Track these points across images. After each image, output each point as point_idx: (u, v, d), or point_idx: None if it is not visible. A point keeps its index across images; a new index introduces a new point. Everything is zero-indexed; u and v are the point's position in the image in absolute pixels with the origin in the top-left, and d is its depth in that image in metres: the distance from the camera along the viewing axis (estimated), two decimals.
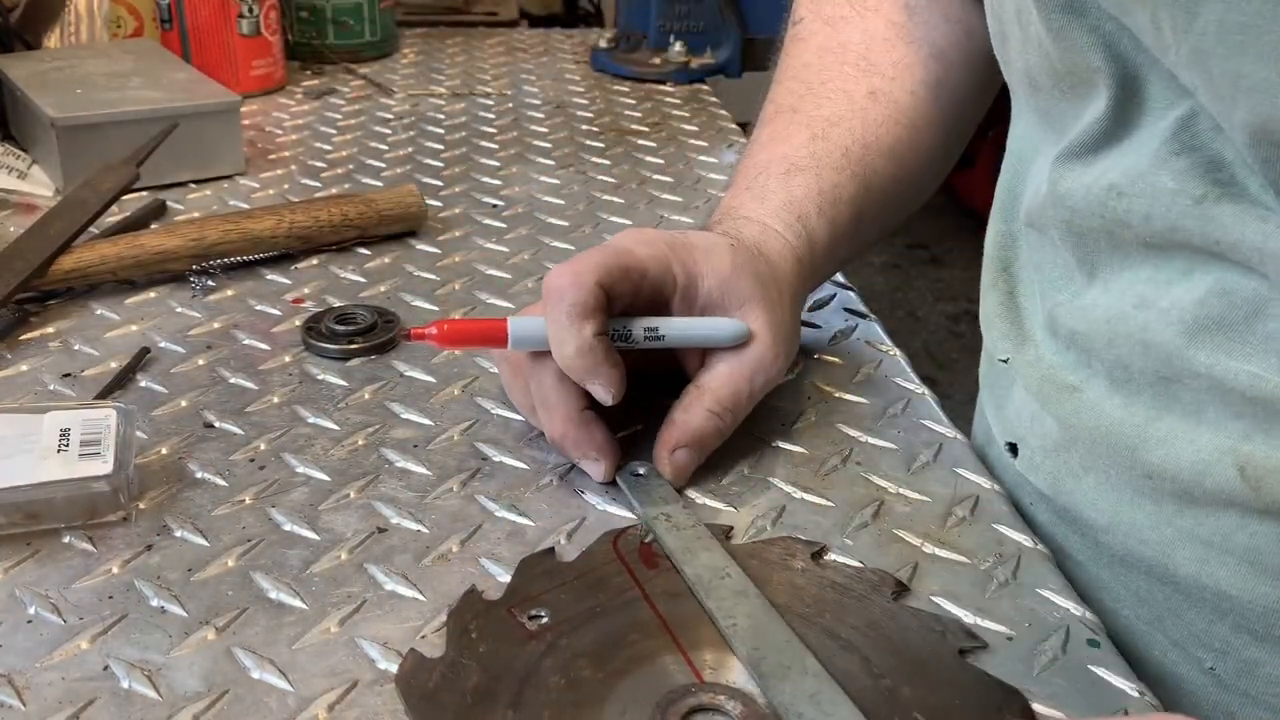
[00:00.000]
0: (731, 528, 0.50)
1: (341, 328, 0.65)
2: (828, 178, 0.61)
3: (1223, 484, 0.47)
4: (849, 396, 0.61)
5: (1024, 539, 0.51)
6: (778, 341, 0.54)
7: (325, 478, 0.54)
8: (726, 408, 0.53)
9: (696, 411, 0.53)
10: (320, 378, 0.62)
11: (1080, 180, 0.49)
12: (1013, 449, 0.59)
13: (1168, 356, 0.47)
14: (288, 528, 0.50)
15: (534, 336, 0.51)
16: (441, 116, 1.06)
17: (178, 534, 0.49)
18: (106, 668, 0.42)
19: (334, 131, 1.01)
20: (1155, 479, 0.50)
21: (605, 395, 0.51)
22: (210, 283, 0.72)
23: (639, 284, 0.52)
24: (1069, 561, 0.55)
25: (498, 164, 0.94)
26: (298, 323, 0.67)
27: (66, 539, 0.49)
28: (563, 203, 0.87)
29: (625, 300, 0.52)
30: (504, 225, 0.82)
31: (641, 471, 0.53)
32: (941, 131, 0.66)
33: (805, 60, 0.67)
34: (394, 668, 0.42)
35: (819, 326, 0.69)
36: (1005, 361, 0.58)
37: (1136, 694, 0.43)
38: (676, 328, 0.53)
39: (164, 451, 0.55)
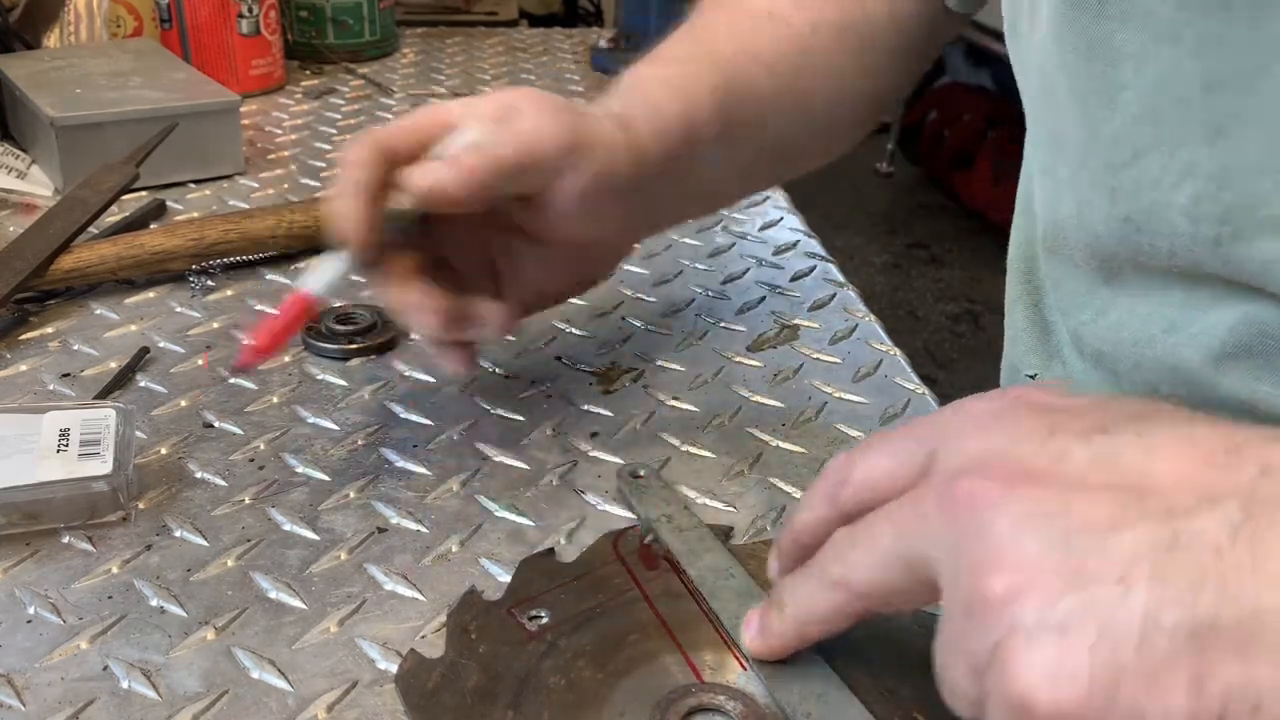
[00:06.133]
0: (731, 528, 0.50)
1: (341, 328, 0.65)
2: (688, 69, 0.59)
3: None
4: (849, 396, 0.61)
5: None
6: (543, 112, 0.51)
7: (325, 478, 0.53)
8: (473, 166, 0.50)
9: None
10: (320, 378, 0.62)
11: (1099, 208, 0.49)
12: None
13: (1194, 381, 0.47)
14: (288, 528, 0.50)
15: (329, 278, 0.52)
16: None
17: (177, 534, 0.49)
18: (106, 668, 0.42)
19: (334, 131, 1.01)
20: None
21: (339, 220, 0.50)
22: (210, 283, 0.72)
23: (422, 140, 0.51)
24: None
25: None
26: None
27: (66, 539, 0.49)
28: None
29: (418, 154, 0.51)
30: None
31: (641, 474, 0.53)
32: (844, 78, 0.64)
33: None
34: (394, 668, 0.42)
35: (819, 326, 0.69)
36: (1033, 378, 0.58)
37: None
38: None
39: (164, 451, 0.55)
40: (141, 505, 0.51)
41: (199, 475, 0.53)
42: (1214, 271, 0.45)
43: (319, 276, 0.52)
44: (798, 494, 0.53)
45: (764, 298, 0.72)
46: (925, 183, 3.77)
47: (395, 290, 0.52)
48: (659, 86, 0.57)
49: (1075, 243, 0.51)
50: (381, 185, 0.50)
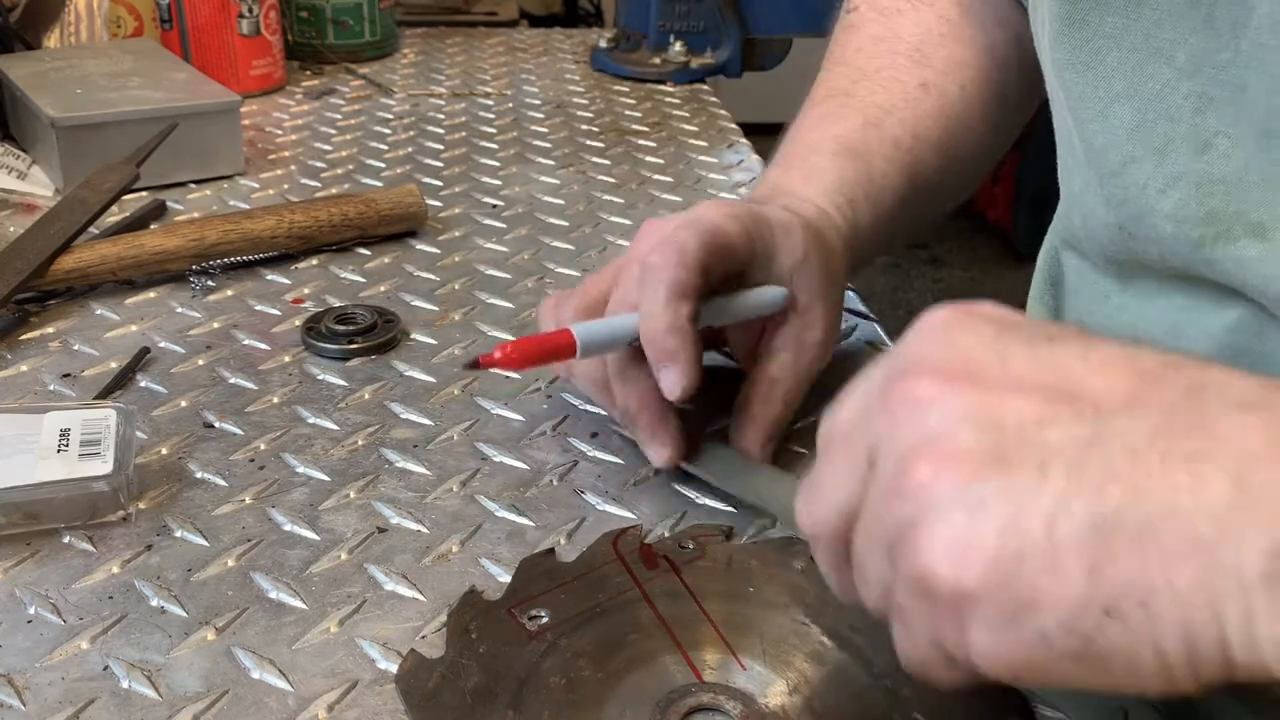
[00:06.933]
0: (731, 528, 0.50)
1: (341, 328, 0.65)
2: (878, 166, 0.61)
3: None
4: None
5: None
6: (831, 330, 0.56)
7: (325, 478, 0.54)
8: (796, 395, 0.55)
9: (775, 404, 0.54)
10: (320, 378, 0.62)
11: (1099, 215, 0.49)
12: None
13: None
14: (288, 528, 0.50)
15: (601, 340, 0.51)
16: (441, 116, 1.06)
17: (178, 534, 0.49)
18: (106, 668, 0.42)
19: (334, 131, 1.01)
20: None
21: (677, 381, 0.49)
22: (210, 283, 0.72)
23: (730, 263, 0.52)
24: None
25: (498, 164, 0.94)
26: (298, 323, 0.67)
27: (66, 539, 0.49)
28: (563, 203, 0.87)
29: (718, 279, 0.52)
30: (504, 225, 0.82)
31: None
32: (986, 130, 0.67)
33: (858, 45, 0.68)
34: (394, 668, 0.42)
35: None
36: None
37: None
38: (724, 306, 0.53)
39: (164, 451, 0.55)
40: (142, 505, 0.51)
41: (199, 475, 0.53)
42: (1199, 273, 0.45)
43: (597, 327, 0.51)
44: None
45: None
46: None
47: (646, 416, 0.52)
48: (863, 195, 0.60)
49: (1088, 248, 0.52)
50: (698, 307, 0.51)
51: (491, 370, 0.51)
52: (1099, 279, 0.54)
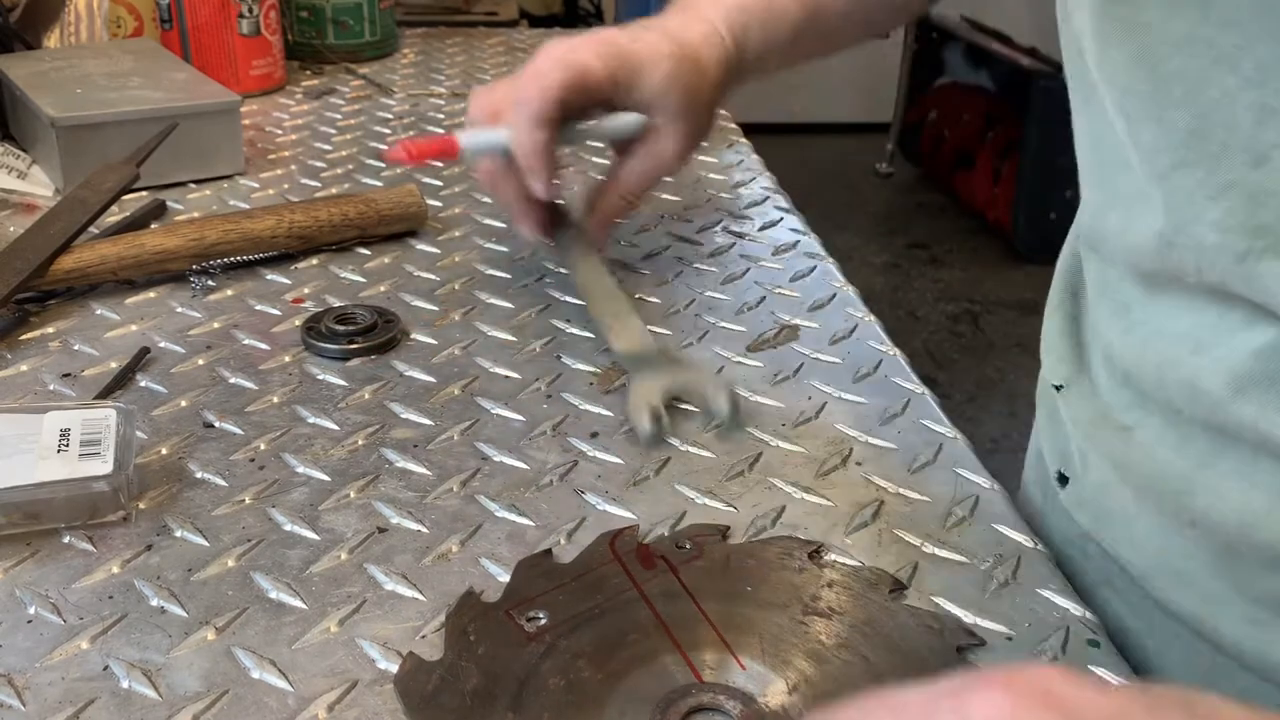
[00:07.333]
0: (729, 527, 0.50)
1: (341, 328, 0.65)
2: (779, 2, 0.71)
3: (1272, 539, 0.45)
4: (849, 396, 0.61)
5: (1024, 539, 0.51)
6: (686, 147, 0.68)
7: (325, 478, 0.54)
8: (634, 193, 0.70)
9: (616, 200, 0.70)
10: (320, 378, 0.62)
11: (1137, 217, 0.48)
12: (1062, 479, 0.58)
13: (1214, 405, 0.46)
14: (288, 528, 0.50)
15: (479, 147, 0.66)
16: (441, 116, 1.06)
17: (178, 534, 0.49)
18: (106, 668, 0.42)
19: (334, 131, 1.01)
20: (1201, 528, 0.48)
21: (540, 186, 0.65)
22: (210, 283, 0.72)
23: (591, 94, 0.64)
24: (1114, 599, 0.55)
25: None
26: (298, 323, 0.67)
27: (66, 539, 0.49)
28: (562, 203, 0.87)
29: (578, 109, 0.65)
30: (504, 225, 0.82)
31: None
32: None
33: None
34: (394, 667, 0.42)
35: (819, 326, 0.69)
36: (1059, 389, 0.57)
37: None
38: (582, 131, 0.67)
39: (164, 451, 0.55)
40: (142, 505, 0.51)
41: (199, 475, 0.53)
42: (1237, 291, 0.44)
43: (477, 137, 0.66)
44: (798, 494, 0.53)
45: (764, 298, 0.72)
46: (925, 183, 3.77)
47: (519, 207, 0.68)
48: (758, 23, 0.71)
49: (1117, 254, 0.51)
50: (562, 116, 0.64)
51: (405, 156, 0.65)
52: (1122, 288, 0.52)
